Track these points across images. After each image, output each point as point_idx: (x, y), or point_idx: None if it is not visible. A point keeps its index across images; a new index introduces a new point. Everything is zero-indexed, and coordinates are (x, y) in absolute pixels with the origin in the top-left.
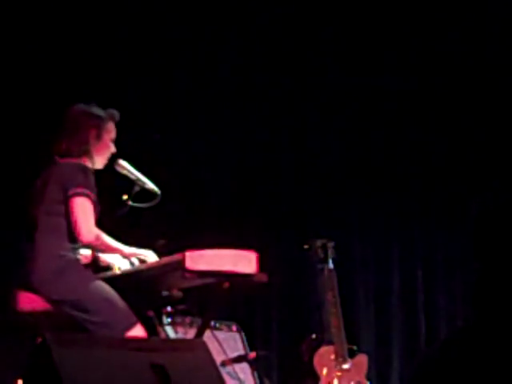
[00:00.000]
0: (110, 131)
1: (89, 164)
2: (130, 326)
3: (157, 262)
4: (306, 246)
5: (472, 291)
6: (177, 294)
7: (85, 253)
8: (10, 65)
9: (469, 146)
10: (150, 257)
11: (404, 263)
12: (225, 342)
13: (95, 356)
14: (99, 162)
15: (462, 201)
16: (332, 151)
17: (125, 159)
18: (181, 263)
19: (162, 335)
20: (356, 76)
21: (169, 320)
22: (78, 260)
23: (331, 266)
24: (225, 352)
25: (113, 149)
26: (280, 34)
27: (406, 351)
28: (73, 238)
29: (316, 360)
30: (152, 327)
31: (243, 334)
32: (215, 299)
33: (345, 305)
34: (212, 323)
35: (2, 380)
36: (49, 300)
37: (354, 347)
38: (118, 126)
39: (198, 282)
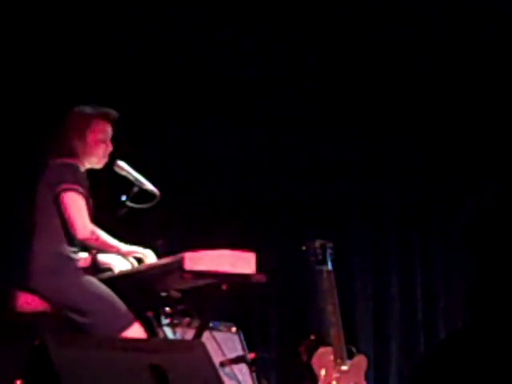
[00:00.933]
0: (98, 131)
1: (79, 164)
2: (127, 326)
3: (155, 262)
4: (304, 247)
5: (468, 292)
6: (175, 294)
7: (83, 256)
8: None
9: (466, 146)
10: (148, 255)
11: (403, 264)
12: (223, 343)
13: (94, 357)
14: (91, 161)
15: (462, 203)
16: (331, 152)
17: (123, 160)
18: (179, 264)
19: (161, 336)
20: (352, 76)
21: (167, 321)
22: (73, 260)
23: (330, 267)
24: (223, 353)
25: (107, 148)
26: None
27: (405, 352)
28: (69, 237)
29: (315, 361)
30: (150, 328)
31: (242, 334)
32: (214, 300)
33: (343, 306)
34: (210, 324)
35: (1, 381)
36: (46, 300)
37: (353, 348)
38: (117, 126)
39: (197, 282)
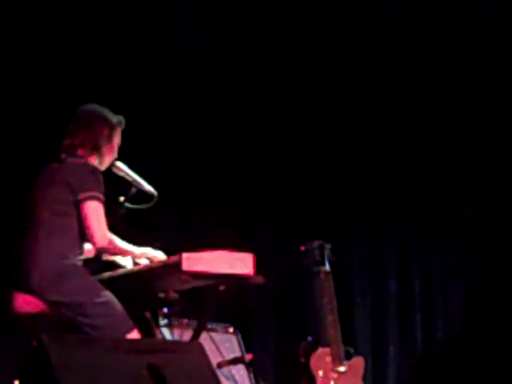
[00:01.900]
0: (118, 136)
1: (96, 163)
2: (128, 331)
3: (153, 263)
4: (302, 248)
5: (468, 294)
6: (173, 295)
7: (87, 247)
8: (14, 63)
9: (466, 149)
10: (160, 257)
11: (401, 265)
12: (221, 344)
13: (92, 357)
14: (106, 163)
15: (462, 206)
16: (330, 153)
17: (122, 161)
18: (177, 265)
19: (159, 337)
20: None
21: (165, 321)
22: (79, 263)
23: (328, 267)
24: (221, 354)
25: (116, 154)
26: None
27: (403, 354)
28: (80, 240)
29: (312, 362)
30: (148, 329)
31: (240, 335)
32: (212, 301)
33: (341, 307)
34: (208, 325)
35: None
36: (47, 301)
37: (351, 349)
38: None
39: (195, 283)
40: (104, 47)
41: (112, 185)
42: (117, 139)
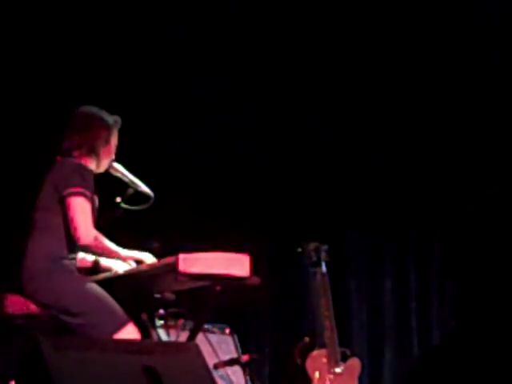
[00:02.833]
0: (115, 137)
1: (93, 165)
2: (120, 327)
3: (150, 264)
4: (298, 250)
5: (454, 303)
6: (170, 296)
7: (86, 256)
8: (12, 64)
9: (464, 152)
10: (148, 259)
11: (397, 267)
12: (217, 345)
13: (87, 358)
14: (103, 165)
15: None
16: (326, 154)
17: (118, 162)
18: (174, 266)
19: (155, 338)
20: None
21: (161, 322)
22: (69, 261)
23: (324, 269)
24: (217, 355)
25: (113, 155)
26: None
27: (399, 355)
28: (69, 239)
29: (308, 363)
30: (144, 329)
31: (236, 336)
32: (208, 302)
33: (337, 308)
34: (205, 326)
35: None
36: (37, 301)
37: (347, 351)
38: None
39: (191, 284)
40: (101, 48)
41: (109, 186)
42: (114, 140)
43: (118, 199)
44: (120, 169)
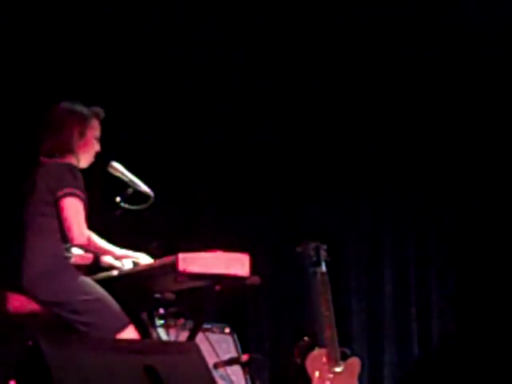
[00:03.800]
0: (94, 128)
1: (74, 162)
2: (122, 328)
3: (150, 263)
4: (298, 249)
5: (452, 302)
6: (169, 296)
7: (86, 254)
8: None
9: (468, 150)
10: (142, 259)
11: (397, 266)
12: (217, 345)
13: (87, 357)
14: (84, 159)
15: (457, 201)
16: (325, 153)
17: (117, 161)
18: (173, 265)
19: (155, 337)
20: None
21: (161, 322)
22: (68, 260)
23: (324, 268)
24: (217, 354)
25: (97, 147)
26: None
27: (399, 355)
28: (64, 238)
29: (308, 363)
30: (144, 329)
31: (236, 336)
32: (208, 301)
33: (337, 308)
34: (204, 325)
35: None
36: (38, 301)
37: (347, 350)
38: (110, 126)
39: (191, 284)
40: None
41: (108, 185)
42: (92, 133)
43: (118, 199)
44: (120, 168)
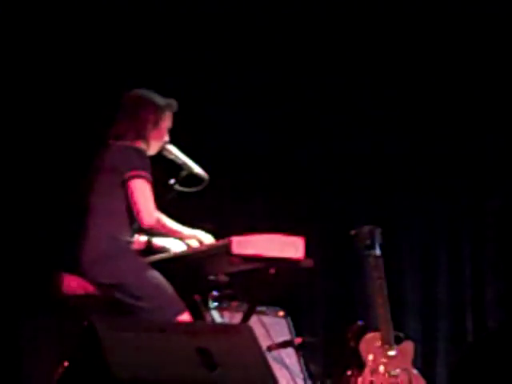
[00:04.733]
0: (167, 120)
1: (143, 148)
2: (178, 313)
3: (203, 246)
4: (352, 232)
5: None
6: (223, 278)
7: (139, 238)
8: (62, 51)
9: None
10: (207, 240)
11: (452, 249)
12: (271, 327)
13: (141, 339)
14: (153, 148)
15: None
16: (379, 136)
17: (172, 143)
18: (227, 248)
19: (208, 319)
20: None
21: (215, 304)
22: (129, 244)
23: (378, 252)
24: (271, 337)
25: (167, 137)
26: None
27: (453, 339)
28: (129, 221)
29: (362, 346)
30: (198, 311)
31: (289, 319)
32: (261, 284)
33: (391, 291)
34: (258, 308)
35: (50, 361)
36: (96, 283)
37: (401, 334)
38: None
39: (245, 266)
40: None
41: (162, 168)
42: (165, 123)
43: (172, 181)
44: (174, 151)
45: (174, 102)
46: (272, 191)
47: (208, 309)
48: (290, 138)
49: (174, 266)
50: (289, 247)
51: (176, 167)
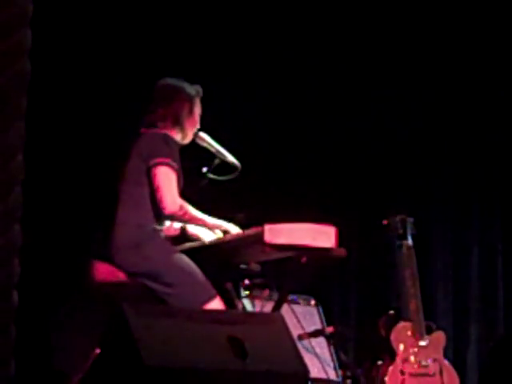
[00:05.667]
0: (198, 106)
1: (178, 137)
2: (209, 299)
3: (236, 234)
4: (384, 222)
5: None
6: (255, 267)
7: (173, 225)
8: (93, 42)
9: None
10: (233, 230)
11: (483, 239)
12: (302, 316)
13: (172, 327)
14: (189, 136)
15: None
16: (411, 126)
17: (205, 131)
18: (260, 236)
19: (240, 308)
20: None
21: (246, 293)
22: (158, 231)
23: (410, 242)
24: (302, 326)
25: (198, 124)
26: None
27: (484, 329)
28: (157, 208)
29: (393, 336)
30: (230, 300)
31: (321, 308)
32: (293, 273)
33: (423, 281)
34: (290, 297)
35: (80, 349)
36: (126, 271)
37: (432, 324)
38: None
39: (277, 255)
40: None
41: (195, 156)
42: (197, 110)
43: (205, 169)
44: (207, 139)
45: (200, 88)
46: (305, 181)
47: (239, 297)
48: (323, 127)
49: (206, 255)
50: (321, 236)
51: (209, 155)
